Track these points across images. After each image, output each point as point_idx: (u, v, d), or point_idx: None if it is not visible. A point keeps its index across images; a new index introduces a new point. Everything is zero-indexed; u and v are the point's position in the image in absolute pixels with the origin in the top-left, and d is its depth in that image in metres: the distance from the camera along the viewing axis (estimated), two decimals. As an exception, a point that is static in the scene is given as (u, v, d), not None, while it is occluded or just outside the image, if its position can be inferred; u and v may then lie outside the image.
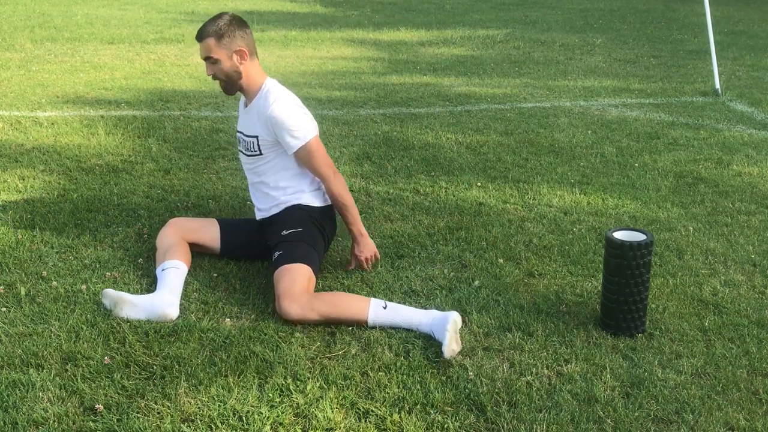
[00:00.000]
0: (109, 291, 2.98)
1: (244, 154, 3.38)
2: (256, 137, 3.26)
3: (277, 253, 3.14)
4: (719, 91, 7.02)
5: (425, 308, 3.03)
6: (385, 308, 2.90)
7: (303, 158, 3.24)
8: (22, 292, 3.12)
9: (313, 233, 3.25)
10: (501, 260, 3.51)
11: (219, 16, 3.21)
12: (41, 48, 9.17)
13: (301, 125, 3.20)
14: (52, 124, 5.70)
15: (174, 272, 3.12)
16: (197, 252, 3.40)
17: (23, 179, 4.49)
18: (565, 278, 3.35)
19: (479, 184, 4.55)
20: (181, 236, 3.33)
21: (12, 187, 4.35)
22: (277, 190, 3.32)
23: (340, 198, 3.27)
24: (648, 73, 8.19)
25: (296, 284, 2.96)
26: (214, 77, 3.24)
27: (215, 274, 3.33)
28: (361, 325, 2.91)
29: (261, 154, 3.28)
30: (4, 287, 3.17)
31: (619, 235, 2.89)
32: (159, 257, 3.24)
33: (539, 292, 3.22)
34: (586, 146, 5.36)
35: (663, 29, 11.52)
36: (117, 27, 11.01)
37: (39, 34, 10.21)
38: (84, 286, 3.17)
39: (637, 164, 4.97)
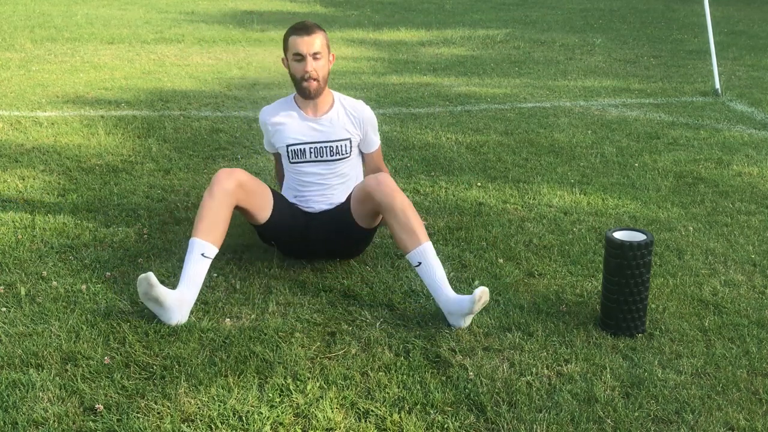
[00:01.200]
0: (155, 283, 2.80)
1: (323, 161, 3.37)
2: (349, 139, 3.39)
3: None
4: (719, 91, 7.02)
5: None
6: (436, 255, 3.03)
7: (377, 153, 3.57)
8: (22, 292, 3.12)
9: None
10: (501, 260, 3.51)
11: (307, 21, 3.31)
12: (41, 48, 9.17)
13: None
14: (52, 124, 5.70)
15: (205, 266, 2.99)
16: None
17: (23, 179, 4.49)
18: (565, 278, 3.35)
19: (479, 184, 4.55)
20: (236, 199, 3.11)
21: (12, 187, 4.35)
22: (354, 184, 3.46)
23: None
24: (648, 73, 8.19)
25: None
26: (310, 76, 3.23)
27: (215, 274, 3.33)
28: (407, 249, 3.01)
29: (350, 155, 3.41)
30: (4, 287, 3.17)
31: (619, 235, 2.89)
32: (206, 220, 3.01)
33: (539, 292, 3.22)
34: (586, 146, 5.36)
35: (663, 29, 11.52)
36: (117, 27, 11.01)
37: (39, 34, 10.22)
38: (84, 286, 3.17)
39: (637, 164, 4.97)
